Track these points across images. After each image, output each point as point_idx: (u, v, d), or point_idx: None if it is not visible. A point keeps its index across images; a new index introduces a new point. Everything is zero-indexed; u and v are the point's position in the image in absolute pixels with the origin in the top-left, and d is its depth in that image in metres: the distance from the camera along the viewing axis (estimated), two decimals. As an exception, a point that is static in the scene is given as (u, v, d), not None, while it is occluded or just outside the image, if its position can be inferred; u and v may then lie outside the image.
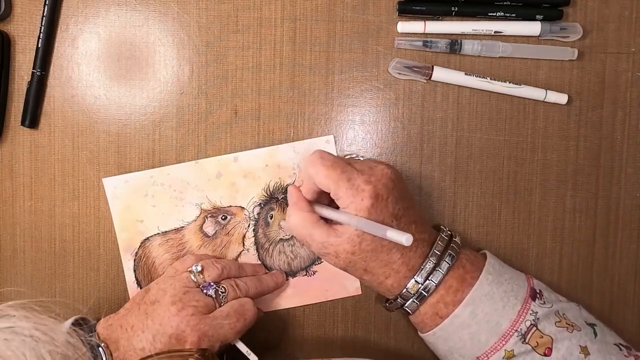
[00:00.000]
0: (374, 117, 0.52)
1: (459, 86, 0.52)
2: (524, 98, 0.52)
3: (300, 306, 0.54)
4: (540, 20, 0.50)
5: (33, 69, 0.51)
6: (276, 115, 0.52)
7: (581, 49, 0.51)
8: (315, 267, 0.53)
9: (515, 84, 0.51)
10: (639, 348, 0.46)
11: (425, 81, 0.52)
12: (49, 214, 0.53)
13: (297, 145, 0.52)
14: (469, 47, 0.50)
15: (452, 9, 0.50)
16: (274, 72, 0.52)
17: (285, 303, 0.53)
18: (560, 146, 0.52)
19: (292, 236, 0.53)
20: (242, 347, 0.47)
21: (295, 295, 0.53)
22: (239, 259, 0.53)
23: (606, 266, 0.53)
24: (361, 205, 0.42)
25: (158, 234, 0.53)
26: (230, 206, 0.53)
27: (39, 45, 0.51)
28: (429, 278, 0.44)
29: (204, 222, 0.53)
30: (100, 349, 0.44)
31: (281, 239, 0.53)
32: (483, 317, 0.43)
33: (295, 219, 0.45)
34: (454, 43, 0.50)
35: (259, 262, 0.53)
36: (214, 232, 0.53)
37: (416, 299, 0.44)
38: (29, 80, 0.51)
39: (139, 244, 0.53)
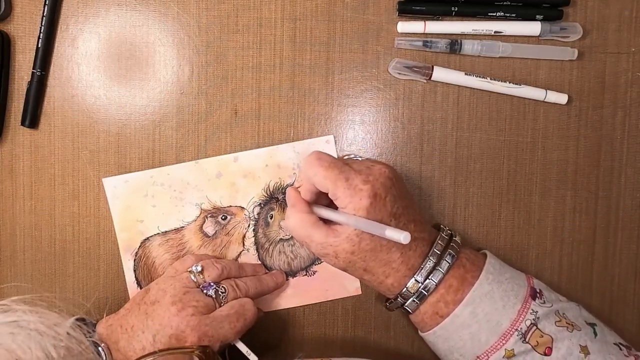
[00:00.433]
0: (374, 117, 0.52)
1: (459, 86, 0.52)
2: (524, 98, 0.52)
3: (300, 306, 0.54)
4: (540, 20, 0.50)
5: (33, 69, 0.51)
6: (276, 115, 0.52)
7: (581, 49, 0.51)
8: (315, 267, 0.53)
9: (515, 84, 0.51)
10: (639, 348, 0.46)
11: (425, 81, 0.52)
12: (49, 214, 0.53)
13: (297, 145, 0.52)
14: (469, 47, 0.51)
15: (452, 9, 0.50)
16: (274, 72, 0.52)
17: (285, 303, 0.53)
18: (560, 146, 0.52)
19: (292, 236, 0.53)
20: (242, 347, 0.47)
21: (295, 295, 0.53)
22: (239, 259, 0.53)
23: (606, 266, 0.53)
24: (359, 205, 0.42)
25: (158, 234, 0.53)
26: (230, 206, 0.53)
27: (39, 45, 0.51)
28: (429, 277, 0.44)
29: (204, 222, 0.53)
30: (100, 349, 0.44)
31: (281, 239, 0.53)
32: (483, 317, 0.43)
33: (294, 220, 0.45)
34: (454, 43, 0.50)
35: (259, 262, 0.53)
36: (214, 232, 0.53)
37: (416, 298, 0.44)
38: (29, 80, 0.51)
39: (139, 244, 0.53)
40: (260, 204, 0.53)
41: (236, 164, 0.52)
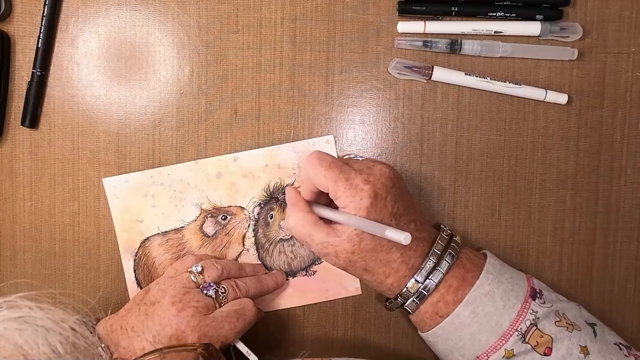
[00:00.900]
0: (374, 117, 0.52)
1: (459, 86, 0.52)
2: (524, 98, 0.52)
3: (300, 306, 0.54)
4: (540, 20, 0.50)
5: (33, 69, 0.51)
6: (276, 115, 0.52)
7: (581, 49, 0.51)
8: (315, 267, 0.53)
9: (515, 84, 0.51)
10: (639, 348, 0.46)
11: (425, 81, 0.52)
12: (49, 214, 0.53)
13: (297, 145, 0.52)
14: (469, 47, 0.51)
15: (452, 9, 0.50)
16: (274, 72, 0.52)
17: (285, 303, 0.53)
18: (560, 146, 0.52)
19: (292, 236, 0.53)
20: (242, 347, 0.47)
21: (295, 295, 0.53)
22: (239, 259, 0.53)
23: (606, 266, 0.53)
24: (360, 205, 0.42)
25: (158, 234, 0.53)
26: (230, 206, 0.53)
27: (39, 45, 0.51)
28: (429, 277, 0.44)
29: (204, 222, 0.53)
30: (100, 349, 0.44)
31: (281, 239, 0.53)
32: (483, 317, 0.43)
33: (294, 220, 0.45)
34: (454, 43, 0.50)
35: (259, 262, 0.53)
36: (214, 232, 0.53)
37: (416, 298, 0.44)
38: (29, 80, 0.51)
39: (139, 244, 0.53)
40: (260, 204, 0.53)
41: (236, 164, 0.52)
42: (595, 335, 0.45)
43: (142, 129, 0.52)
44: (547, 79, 0.52)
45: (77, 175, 0.53)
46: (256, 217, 0.53)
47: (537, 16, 0.50)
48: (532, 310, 0.44)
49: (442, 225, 0.48)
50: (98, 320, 0.47)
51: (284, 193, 0.53)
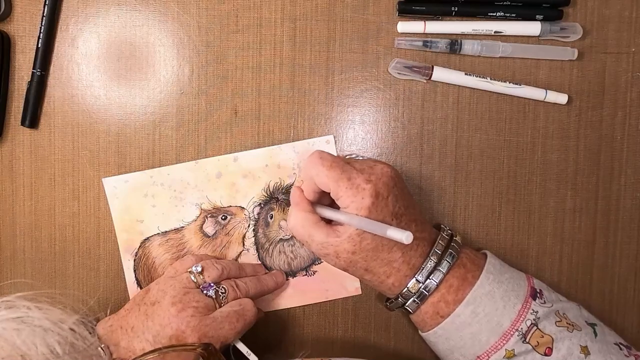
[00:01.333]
0: (374, 117, 0.52)
1: (459, 86, 0.52)
2: (524, 98, 0.52)
3: (300, 306, 0.54)
4: (540, 20, 0.50)
5: (33, 69, 0.51)
6: (276, 115, 0.52)
7: (581, 49, 0.51)
8: (315, 267, 0.53)
9: (515, 84, 0.51)
10: (639, 348, 0.46)
11: (425, 81, 0.52)
12: (49, 214, 0.53)
13: (297, 145, 0.52)
14: (469, 47, 0.51)
15: (452, 9, 0.50)
16: (274, 72, 0.52)
17: (285, 303, 0.53)
18: (560, 146, 0.52)
19: (292, 236, 0.53)
20: (242, 347, 0.47)
21: (295, 295, 0.53)
22: (239, 259, 0.53)
23: (606, 266, 0.53)
24: (361, 204, 0.42)
25: (158, 234, 0.53)
26: (230, 206, 0.53)
27: (39, 45, 0.51)
28: (430, 277, 0.44)
29: (204, 222, 0.53)
30: (100, 349, 0.44)
31: (281, 239, 0.53)
32: (484, 317, 0.43)
33: (295, 219, 0.45)
34: (454, 43, 0.51)
35: (259, 262, 0.53)
36: (214, 232, 0.53)
37: (417, 298, 0.44)
38: (29, 80, 0.51)
39: (139, 244, 0.53)
40: (260, 204, 0.53)
41: (236, 164, 0.52)
42: (596, 335, 0.45)
43: (142, 129, 0.52)
44: (547, 79, 0.52)
45: (77, 175, 0.53)
46: (256, 217, 0.53)
47: (537, 16, 0.50)
48: (533, 310, 0.44)
49: (442, 225, 0.48)
50: (98, 320, 0.47)
51: (284, 193, 0.53)
